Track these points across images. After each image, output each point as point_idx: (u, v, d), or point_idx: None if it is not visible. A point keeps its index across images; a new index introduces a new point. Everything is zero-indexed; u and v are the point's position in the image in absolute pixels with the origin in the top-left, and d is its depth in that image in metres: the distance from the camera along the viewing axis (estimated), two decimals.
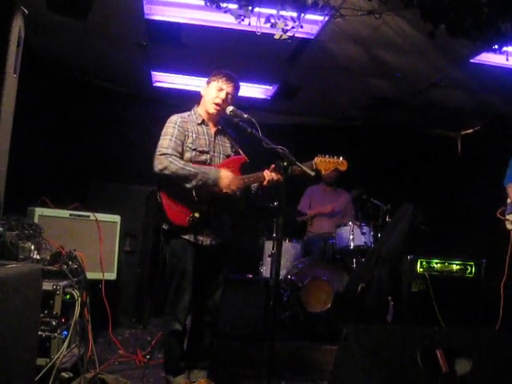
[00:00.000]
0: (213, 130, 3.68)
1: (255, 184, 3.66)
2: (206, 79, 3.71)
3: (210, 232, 3.56)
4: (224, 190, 3.46)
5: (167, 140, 3.48)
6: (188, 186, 3.40)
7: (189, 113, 3.69)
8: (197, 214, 3.44)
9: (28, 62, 3.67)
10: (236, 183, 3.50)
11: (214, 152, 3.62)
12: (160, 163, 3.39)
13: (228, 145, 3.74)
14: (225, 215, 3.67)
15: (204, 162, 3.56)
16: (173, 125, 3.55)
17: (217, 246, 3.62)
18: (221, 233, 3.64)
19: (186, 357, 3.63)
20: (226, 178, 3.46)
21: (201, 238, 3.52)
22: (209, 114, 3.65)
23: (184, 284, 3.50)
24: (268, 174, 3.51)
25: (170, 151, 3.43)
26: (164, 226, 3.54)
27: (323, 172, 3.71)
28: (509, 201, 4.28)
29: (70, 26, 4.93)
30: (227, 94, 3.59)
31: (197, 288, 3.56)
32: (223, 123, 3.75)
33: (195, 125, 3.62)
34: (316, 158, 3.68)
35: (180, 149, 3.50)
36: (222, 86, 3.58)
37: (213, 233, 3.58)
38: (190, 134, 3.57)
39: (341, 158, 3.74)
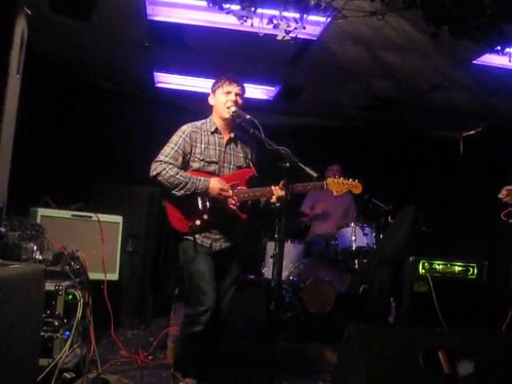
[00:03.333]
0: (225, 138, 3.68)
1: (264, 199, 3.67)
2: (211, 88, 3.72)
3: (216, 237, 3.58)
4: (215, 196, 3.47)
5: (169, 148, 3.53)
6: (177, 194, 3.44)
7: (203, 121, 3.70)
8: (198, 222, 3.48)
9: (31, 63, 3.68)
10: (227, 192, 3.49)
11: (223, 162, 3.64)
12: (155, 169, 3.46)
13: (241, 155, 3.74)
14: (229, 223, 3.63)
15: (213, 173, 3.59)
16: (180, 134, 3.58)
17: (226, 250, 3.62)
18: (229, 237, 3.63)
19: (200, 362, 3.63)
20: (214, 187, 3.47)
21: (208, 242, 3.54)
22: (224, 119, 3.65)
23: (204, 284, 3.47)
24: (277, 191, 3.50)
25: (167, 159, 3.47)
26: (171, 232, 3.62)
27: (335, 194, 3.71)
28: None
29: (72, 27, 4.93)
30: (236, 94, 3.60)
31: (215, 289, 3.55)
32: (238, 129, 3.73)
33: (207, 134, 3.64)
34: (328, 179, 3.68)
35: (180, 159, 3.52)
36: (229, 89, 3.59)
37: (220, 238, 3.59)
38: (199, 144, 3.59)
39: (356, 181, 3.74)
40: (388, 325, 4.92)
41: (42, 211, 4.51)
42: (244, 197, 3.56)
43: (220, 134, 3.67)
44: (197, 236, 3.51)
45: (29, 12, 3.36)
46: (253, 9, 3.86)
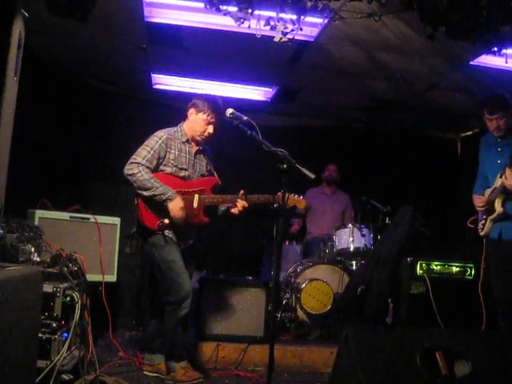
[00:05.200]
0: (194, 149, 4.02)
1: (223, 207, 4.00)
2: (194, 100, 3.94)
3: (180, 236, 3.89)
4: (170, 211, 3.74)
5: (145, 151, 3.79)
6: (144, 193, 3.72)
7: (175, 129, 3.99)
8: (166, 221, 3.75)
9: (28, 65, 3.67)
10: (182, 214, 3.76)
11: (192, 169, 3.96)
12: (130, 169, 3.72)
13: (204, 164, 4.07)
14: (193, 223, 3.93)
15: (182, 178, 3.90)
16: (157, 139, 3.85)
17: (187, 247, 3.98)
18: (190, 236, 4.01)
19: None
20: (174, 206, 3.74)
21: (175, 239, 3.86)
22: (193, 139, 3.98)
23: (178, 270, 3.79)
24: (240, 203, 3.82)
25: (143, 162, 3.75)
26: (139, 229, 3.93)
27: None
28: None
29: (70, 29, 4.93)
30: (215, 127, 3.91)
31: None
32: (203, 144, 4.07)
33: (180, 142, 3.94)
34: (279, 194, 3.81)
35: (155, 162, 3.80)
36: (211, 120, 3.89)
37: (184, 237, 3.92)
38: (173, 151, 3.89)
39: (301, 197, 4.00)
40: (386, 325, 4.93)
41: (39, 213, 4.51)
42: (208, 202, 3.89)
43: (190, 143, 3.98)
44: (163, 231, 3.81)
45: (26, 14, 3.35)
46: (250, 10, 3.86)
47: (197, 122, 3.93)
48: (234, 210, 3.87)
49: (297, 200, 3.99)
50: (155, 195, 3.71)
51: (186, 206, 3.79)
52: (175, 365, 3.85)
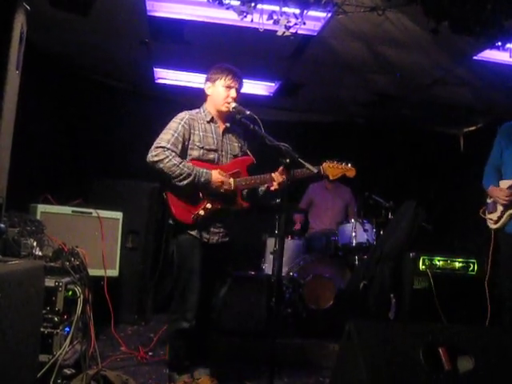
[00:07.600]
0: (221, 128, 3.66)
1: (263, 187, 3.66)
2: (206, 75, 3.69)
3: (215, 230, 3.57)
4: (216, 188, 3.46)
5: (169, 135, 3.45)
6: (179, 184, 3.39)
7: (197, 110, 3.66)
8: (201, 212, 3.45)
9: (30, 59, 3.67)
10: (228, 185, 3.49)
11: (221, 151, 3.62)
12: (156, 155, 3.37)
13: (236, 144, 3.72)
14: (230, 214, 3.64)
15: (212, 161, 3.56)
16: (179, 121, 3.52)
17: (222, 245, 3.61)
18: (226, 232, 3.63)
19: (191, 355, 3.62)
20: (216, 180, 3.45)
21: (207, 236, 3.53)
22: (219, 112, 3.63)
23: (192, 282, 3.48)
24: (277, 177, 3.48)
25: (168, 146, 3.40)
26: (171, 222, 3.53)
27: (331, 178, 3.69)
28: (489, 200, 4.24)
29: (72, 23, 4.92)
30: (237, 90, 3.59)
31: (203, 286, 3.53)
32: (231, 121, 3.71)
33: (204, 122, 3.60)
34: (324, 164, 3.66)
35: (180, 146, 3.47)
36: (231, 84, 3.57)
37: (219, 231, 3.59)
38: (197, 132, 3.55)
39: (349, 165, 3.71)
40: (388, 321, 4.92)
41: (41, 207, 4.51)
42: (245, 185, 3.56)
43: (216, 123, 3.65)
44: (196, 230, 3.49)
45: (28, 7, 3.34)
46: (253, 4, 3.85)
47: (217, 92, 3.58)
48: (273, 188, 3.54)
49: (345, 168, 3.69)
50: (190, 181, 3.37)
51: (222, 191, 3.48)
52: (177, 377, 3.60)
